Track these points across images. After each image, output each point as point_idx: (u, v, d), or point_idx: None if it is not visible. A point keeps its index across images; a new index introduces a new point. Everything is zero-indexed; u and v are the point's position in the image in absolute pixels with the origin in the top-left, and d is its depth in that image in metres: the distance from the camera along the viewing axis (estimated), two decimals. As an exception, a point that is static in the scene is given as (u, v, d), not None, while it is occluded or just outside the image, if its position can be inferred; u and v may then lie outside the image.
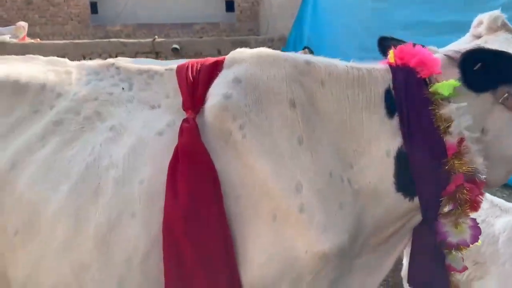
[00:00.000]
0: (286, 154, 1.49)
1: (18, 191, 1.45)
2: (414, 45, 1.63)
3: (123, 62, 1.76)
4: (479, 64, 1.51)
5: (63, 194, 1.44)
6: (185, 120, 1.50)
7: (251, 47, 1.72)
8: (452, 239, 1.67)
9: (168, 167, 1.46)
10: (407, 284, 1.85)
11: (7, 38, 7.36)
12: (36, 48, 7.44)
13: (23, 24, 7.72)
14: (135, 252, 1.45)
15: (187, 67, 1.65)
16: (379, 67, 1.65)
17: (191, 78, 1.59)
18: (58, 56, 1.82)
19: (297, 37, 7.50)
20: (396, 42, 1.75)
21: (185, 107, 1.55)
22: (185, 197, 1.42)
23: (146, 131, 1.54)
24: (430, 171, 1.57)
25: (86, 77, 1.68)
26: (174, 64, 1.73)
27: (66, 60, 1.76)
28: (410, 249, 1.80)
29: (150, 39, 7.63)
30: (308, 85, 1.56)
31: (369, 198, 1.59)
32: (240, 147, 1.49)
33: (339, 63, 1.63)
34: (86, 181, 1.45)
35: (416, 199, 1.61)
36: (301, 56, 1.65)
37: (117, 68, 1.72)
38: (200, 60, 1.69)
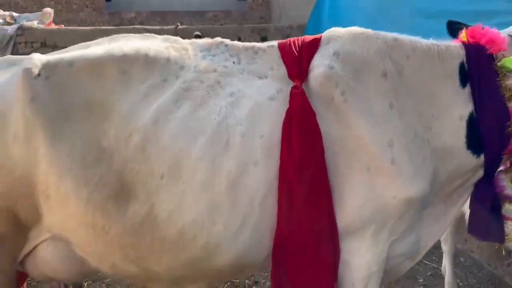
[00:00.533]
0: (380, 116, 1.79)
1: (162, 143, 1.74)
2: (483, 27, 1.92)
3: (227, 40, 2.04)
4: None
5: (201, 146, 1.73)
6: (294, 87, 1.80)
7: (270, 34, 2.03)
8: (509, 192, 1.97)
9: (283, 125, 1.76)
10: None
11: (34, 23, 7.56)
12: (63, 34, 7.63)
13: (49, 10, 7.90)
14: (256, 195, 1.76)
15: (289, 44, 1.94)
16: (454, 44, 1.94)
17: (295, 53, 1.88)
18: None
19: (316, 25, 7.73)
20: (463, 25, 2.04)
21: (292, 77, 1.83)
22: (297, 150, 1.72)
23: (260, 97, 1.83)
24: (496, 132, 1.87)
25: (201, 53, 1.97)
26: (273, 42, 2.02)
27: (179, 38, 2.04)
28: (470, 202, 2.11)
29: (172, 26, 7.84)
30: (396, 58, 1.86)
31: (444, 155, 1.89)
32: (341, 110, 1.79)
33: (421, 40, 1.92)
34: (218, 136, 1.75)
35: (482, 157, 1.91)
36: (388, 33, 1.94)
37: (226, 45, 2.00)
38: (298, 38, 1.98)
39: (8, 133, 1.78)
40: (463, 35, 1.97)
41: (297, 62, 1.86)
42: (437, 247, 3.28)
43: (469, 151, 1.90)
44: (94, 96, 1.81)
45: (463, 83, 1.89)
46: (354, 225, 1.86)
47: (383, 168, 1.78)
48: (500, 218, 2.04)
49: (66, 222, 1.83)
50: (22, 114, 1.77)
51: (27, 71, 1.78)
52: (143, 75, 1.84)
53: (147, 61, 1.87)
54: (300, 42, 1.93)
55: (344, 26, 1.97)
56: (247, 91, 1.84)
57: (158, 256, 1.81)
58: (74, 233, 1.84)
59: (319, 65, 1.83)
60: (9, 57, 2.12)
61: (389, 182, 1.79)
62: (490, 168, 1.95)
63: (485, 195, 2.02)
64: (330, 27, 2.05)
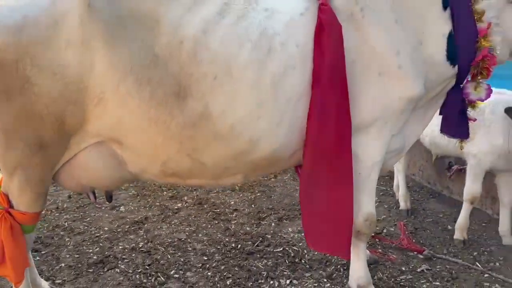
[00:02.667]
0: (390, 29, 2.20)
1: (213, 48, 1.99)
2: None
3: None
4: None
5: (248, 51, 2.01)
6: (321, 4, 2.13)
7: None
8: (473, 97, 2.53)
9: (315, 35, 2.10)
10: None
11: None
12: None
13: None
14: (293, 94, 2.09)
15: None
16: None
17: None
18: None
19: None
20: None
21: None
22: (329, 54, 2.08)
23: (292, 12, 2.14)
24: (467, 47, 2.38)
25: None
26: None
27: None
28: (441, 107, 2.64)
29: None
30: None
31: (430, 66, 2.37)
32: (360, 23, 2.17)
33: None
34: (262, 42, 2.04)
35: (456, 67, 2.43)
36: None
37: None
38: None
39: (60, 39, 1.91)
40: (443, -32, 2.46)
41: None
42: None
43: (448, 62, 2.40)
44: (142, 6, 1.98)
45: (444, 6, 2.36)
46: (366, 121, 2.28)
47: (391, 72, 2.21)
48: (466, 119, 2.60)
49: (123, 121, 2.01)
50: (80, 19, 1.90)
51: None
52: None
53: None
54: None
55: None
56: (279, 7, 2.14)
57: (211, 148, 2.08)
58: (131, 131, 2.04)
59: None
60: None
61: (396, 83, 2.23)
62: (460, 77, 2.48)
63: (455, 100, 2.56)
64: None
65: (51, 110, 1.99)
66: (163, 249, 3.45)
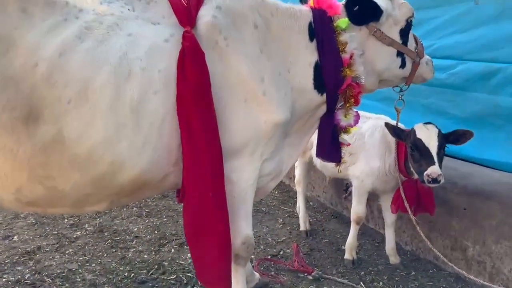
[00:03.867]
0: (254, 57, 2.28)
1: (68, 71, 1.95)
2: (324, -4, 2.57)
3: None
4: (356, 7, 2.51)
5: (106, 74, 1.99)
6: (185, 31, 2.17)
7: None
8: (343, 123, 2.68)
9: (178, 61, 2.12)
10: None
11: None
12: None
13: None
14: (156, 119, 2.09)
15: None
16: (304, 8, 2.55)
17: (185, 4, 2.25)
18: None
19: None
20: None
21: (183, 24, 2.21)
22: (192, 80, 2.11)
23: (156, 38, 2.16)
24: (333, 75, 2.52)
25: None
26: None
27: None
28: (317, 133, 2.76)
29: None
30: (263, 14, 2.38)
31: (298, 93, 2.49)
32: (224, 52, 2.23)
33: (281, 2, 2.48)
34: (122, 67, 2.03)
35: (325, 95, 2.56)
36: None
37: None
38: (184, -6, 2.35)
39: None
40: (311, 1, 2.60)
41: (187, 11, 2.24)
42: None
43: (315, 91, 2.53)
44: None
45: (311, 37, 2.50)
46: (235, 146, 2.33)
47: (257, 98, 2.28)
48: (338, 144, 2.73)
49: None
50: None
51: None
52: (44, 14, 2.00)
53: (48, 2, 2.04)
54: None
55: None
56: (143, 33, 2.15)
57: (67, 174, 2.02)
58: None
59: (205, 14, 2.24)
60: None
61: (262, 109, 2.30)
62: (330, 104, 2.61)
63: (327, 126, 2.69)
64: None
65: None
66: (50, 280, 3.28)
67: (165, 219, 4.51)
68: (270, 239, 3.98)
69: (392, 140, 3.15)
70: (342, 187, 4.45)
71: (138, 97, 2.05)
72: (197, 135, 2.14)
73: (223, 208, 2.27)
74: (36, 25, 1.99)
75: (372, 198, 3.73)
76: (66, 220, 4.46)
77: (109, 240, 3.99)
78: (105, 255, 3.72)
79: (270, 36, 2.39)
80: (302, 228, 4.08)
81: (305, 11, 2.54)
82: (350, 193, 4.13)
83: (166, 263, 3.54)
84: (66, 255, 3.71)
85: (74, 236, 4.10)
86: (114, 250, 3.80)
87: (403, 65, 2.76)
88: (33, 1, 2.01)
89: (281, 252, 3.72)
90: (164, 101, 2.11)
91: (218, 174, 2.23)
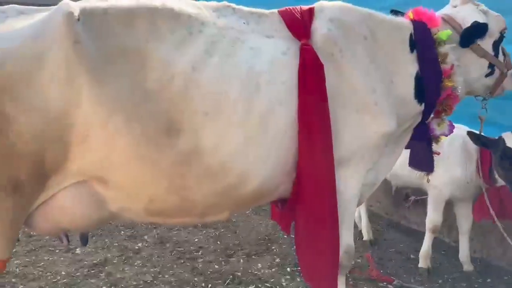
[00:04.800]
0: (366, 68, 2.32)
1: (203, 85, 1.98)
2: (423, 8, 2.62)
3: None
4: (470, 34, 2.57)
5: (237, 88, 2.03)
6: (303, 44, 2.21)
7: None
8: (437, 132, 2.71)
9: (299, 73, 2.16)
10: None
11: None
12: None
13: None
14: (280, 130, 2.12)
15: (290, 11, 2.34)
16: (404, 19, 2.60)
17: (299, 18, 2.30)
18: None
19: None
20: (401, 12, 2.72)
21: (300, 37, 2.24)
22: (314, 92, 2.14)
23: (275, 52, 2.20)
24: (434, 86, 2.56)
25: (214, 13, 2.24)
26: (272, 10, 2.40)
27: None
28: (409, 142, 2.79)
29: None
30: (370, 26, 2.42)
31: (400, 103, 2.52)
32: (339, 63, 2.26)
33: (385, 15, 2.52)
34: (250, 80, 2.06)
35: (423, 105, 2.60)
36: (361, 8, 2.49)
37: (233, 8, 2.31)
38: (294, 7, 2.39)
39: (44, 74, 1.81)
40: (410, 14, 2.65)
41: (303, 24, 2.28)
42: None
43: (415, 100, 2.57)
44: (128, 43, 1.95)
45: (411, 49, 2.54)
46: (345, 156, 2.35)
47: (369, 109, 2.31)
48: (431, 153, 2.77)
49: (110, 159, 1.93)
50: (64, 55, 1.82)
51: (70, 15, 1.83)
52: (171, 27, 2.04)
53: (173, 15, 2.08)
54: (299, 10, 2.36)
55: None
56: (262, 47, 2.19)
57: (201, 184, 2.04)
58: (118, 170, 1.95)
59: (320, 27, 2.28)
60: (14, 6, 2.07)
61: (372, 120, 2.33)
62: (426, 114, 2.65)
63: (421, 135, 2.72)
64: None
65: (31, 149, 1.86)
66: (129, 292, 3.27)
67: (223, 230, 4.50)
68: (336, 249, 3.98)
69: (473, 148, 3.19)
70: (398, 196, 4.47)
71: (265, 110, 2.08)
72: (316, 146, 2.17)
73: (335, 216, 2.29)
74: (166, 39, 2.02)
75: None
76: (122, 232, 4.45)
77: (174, 251, 3.99)
78: (175, 266, 3.71)
79: (377, 47, 2.42)
80: (365, 238, 4.10)
81: (406, 23, 2.59)
82: (412, 202, 4.17)
83: (239, 273, 3.54)
84: (136, 267, 3.70)
85: (136, 247, 4.09)
86: (182, 261, 3.80)
87: (492, 76, 2.81)
88: (161, 13, 2.05)
89: (352, 262, 3.72)
90: (287, 113, 2.14)
91: (332, 183, 2.25)
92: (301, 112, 2.15)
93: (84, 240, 2.40)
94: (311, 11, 2.36)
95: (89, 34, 1.88)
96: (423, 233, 3.59)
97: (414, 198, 4.10)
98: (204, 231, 4.47)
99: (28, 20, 1.94)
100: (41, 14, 1.96)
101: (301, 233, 2.35)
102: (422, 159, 2.75)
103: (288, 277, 3.49)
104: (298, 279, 3.43)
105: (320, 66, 2.18)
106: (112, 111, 1.88)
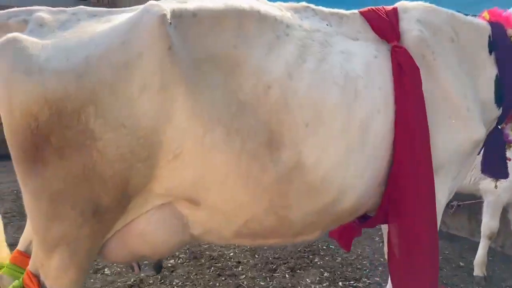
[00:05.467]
0: (456, 72, 2.18)
1: (301, 94, 1.79)
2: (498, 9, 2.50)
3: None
4: None
5: (336, 95, 1.85)
6: (396, 47, 2.05)
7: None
8: (511, 138, 2.60)
9: (394, 77, 1.99)
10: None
11: None
12: None
13: None
14: (378, 139, 1.95)
15: (374, 11, 2.18)
16: (481, 21, 2.47)
17: (386, 18, 2.14)
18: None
19: None
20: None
21: (389, 39, 2.08)
22: (412, 96, 1.99)
23: (366, 55, 2.03)
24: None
25: (296, 14, 2.05)
26: (352, 10, 2.23)
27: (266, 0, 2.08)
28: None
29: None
30: (454, 27, 2.28)
31: (483, 107, 2.39)
32: (431, 67, 2.11)
33: (464, 15, 2.40)
34: (348, 86, 1.88)
35: (501, 109, 2.47)
36: (443, 8, 2.35)
37: (313, 9, 2.13)
38: (377, 7, 2.24)
39: (133, 85, 1.58)
40: (485, 14, 2.53)
41: (390, 26, 2.12)
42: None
43: (495, 104, 2.44)
44: (218, 49, 1.75)
45: (490, 51, 2.42)
46: (438, 164, 2.20)
47: (461, 115, 2.17)
48: (505, 159, 2.65)
49: (205, 178, 1.72)
50: (158, 63, 1.60)
51: (163, 17, 1.61)
52: (259, 31, 1.85)
53: (260, 17, 1.89)
54: (383, 10, 2.20)
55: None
56: (352, 50, 2.02)
57: (301, 202, 1.85)
58: (214, 189, 1.74)
59: (410, 29, 2.12)
60: (83, 8, 1.84)
61: (464, 126, 2.19)
62: (502, 118, 2.53)
63: (497, 141, 2.60)
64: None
65: (116, 170, 1.63)
66: (176, 316, 3.04)
67: (255, 242, 4.30)
68: (382, 259, 3.83)
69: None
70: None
71: (365, 118, 1.91)
72: (416, 155, 2.01)
73: (435, 227, 2.14)
74: (255, 43, 1.83)
75: (477, 211, 3.66)
76: (150, 247, 4.20)
77: (212, 268, 3.76)
78: (218, 284, 3.49)
79: (462, 50, 2.29)
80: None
81: (483, 24, 2.46)
82: (455, 208, 4.06)
83: (290, 290, 3.35)
84: (176, 286, 3.47)
85: (169, 264, 3.85)
86: (223, 278, 3.58)
87: None
88: (249, 16, 1.86)
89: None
90: (385, 120, 1.97)
91: (432, 193, 2.10)
92: (399, 119, 1.99)
93: (158, 267, 2.17)
94: (395, 12, 2.21)
95: (179, 39, 1.67)
96: (464, 239, 3.50)
97: (457, 204, 3.99)
98: (236, 244, 4.25)
99: (104, 23, 1.71)
100: (121, 16, 1.74)
101: (400, 246, 2.17)
102: (496, 165, 2.62)
103: (342, 292, 3.33)
104: (354, 294, 3.28)
105: (417, 70, 2.03)
106: (208, 125, 1.66)
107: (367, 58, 2.01)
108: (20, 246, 2.08)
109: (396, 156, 2.00)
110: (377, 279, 3.46)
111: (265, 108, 1.74)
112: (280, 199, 1.81)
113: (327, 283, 3.43)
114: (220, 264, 3.82)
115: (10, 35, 1.55)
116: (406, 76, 2.00)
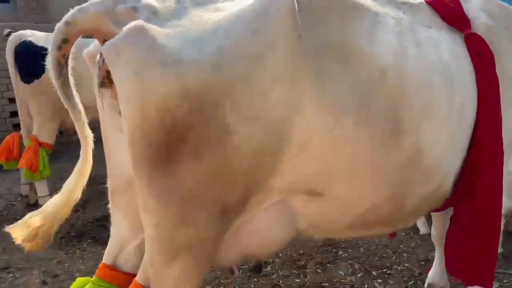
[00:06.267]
0: None
1: (413, 79, 1.80)
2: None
3: None
4: None
5: (439, 80, 1.89)
6: (472, 34, 2.13)
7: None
8: None
9: (474, 64, 2.06)
10: None
11: None
12: None
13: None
14: (467, 124, 2.01)
15: (439, 0, 2.25)
16: None
17: (453, 7, 2.21)
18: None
19: None
20: None
21: (460, 27, 2.15)
22: (491, 83, 2.07)
23: (446, 41, 2.08)
24: None
25: (374, 2, 2.05)
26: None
27: None
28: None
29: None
30: (508, 15, 2.40)
31: None
32: (498, 53, 2.22)
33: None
34: (445, 72, 1.93)
35: None
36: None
37: None
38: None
39: (265, 75, 1.50)
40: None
41: (460, 15, 2.20)
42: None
43: None
44: (331, 37, 1.71)
45: None
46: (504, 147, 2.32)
47: None
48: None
49: (329, 170, 1.67)
50: (289, 52, 1.53)
51: (293, 4, 1.56)
52: (357, 18, 1.82)
53: (355, 5, 1.86)
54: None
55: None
56: (434, 37, 2.07)
57: (416, 189, 1.87)
58: (338, 181, 1.70)
59: (477, 17, 2.21)
60: None
61: None
62: None
63: None
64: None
65: (246, 166, 1.54)
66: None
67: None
68: (401, 246, 3.95)
69: None
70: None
71: (461, 103, 1.98)
72: (495, 141, 2.10)
73: (500, 207, 2.25)
74: (357, 31, 1.81)
75: None
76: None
77: (240, 269, 3.66)
78: (252, 285, 3.41)
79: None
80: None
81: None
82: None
83: (327, 284, 3.35)
84: (210, 293, 3.33)
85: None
86: (256, 280, 3.50)
87: None
88: (348, 4, 1.83)
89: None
90: (472, 104, 2.05)
91: (502, 172, 2.20)
92: (484, 105, 2.07)
93: (258, 268, 2.08)
94: (457, 0, 2.30)
95: (304, 27, 1.62)
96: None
97: None
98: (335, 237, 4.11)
99: (214, 11, 1.60)
100: (229, 5, 1.64)
101: (469, 230, 2.25)
102: None
103: (380, 280, 3.38)
104: (391, 281, 3.34)
105: (492, 56, 2.12)
106: (338, 115, 1.63)
107: (450, 46, 2.07)
108: (106, 259, 1.91)
109: (478, 139, 2.07)
110: (407, 265, 3.57)
111: (384, 94, 1.73)
112: (400, 187, 1.81)
113: (361, 273, 3.48)
114: (246, 266, 3.72)
115: (136, 23, 1.41)
116: (485, 63, 2.08)
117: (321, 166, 1.66)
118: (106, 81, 1.56)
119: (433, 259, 3.61)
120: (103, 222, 4.41)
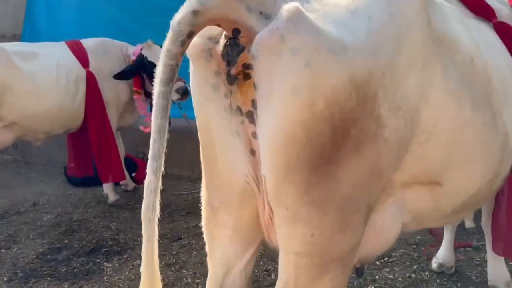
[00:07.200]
0: None
1: (489, 64, 1.84)
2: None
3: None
4: None
5: (504, 65, 1.97)
6: (499, 23, 2.26)
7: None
8: None
9: (509, 50, 2.19)
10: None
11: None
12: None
13: None
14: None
15: None
16: None
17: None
18: None
19: (32, 33, 6.91)
20: None
21: (488, 17, 2.26)
22: None
23: (487, 31, 2.19)
24: None
25: None
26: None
27: None
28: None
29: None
30: None
31: None
32: None
33: None
34: (506, 57, 2.03)
35: None
36: None
37: None
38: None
39: (401, 63, 1.43)
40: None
41: (486, 5, 2.33)
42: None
43: None
44: (438, 21, 1.66)
45: None
46: None
47: None
48: None
49: (451, 158, 1.65)
50: (421, 38, 1.49)
51: None
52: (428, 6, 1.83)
53: None
54: None
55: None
56: (482, 26, 2.15)
57: (504, 170, 1.93)
58: (458, 168, 1.69)
59: (500, 7, 2.36)
60: None
61: None
62: None
63: None
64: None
65: (389, 159, 1.46)
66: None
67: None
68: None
69: None
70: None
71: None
72: None
73: None
74: (435, 17, 1.82)
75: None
76: (164, 261, 3.70)
77: (255, 283, 3.46)
78: None
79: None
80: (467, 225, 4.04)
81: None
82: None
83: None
84: None
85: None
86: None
87: None
88: None
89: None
90: None
91: None
92: None
93: (362, 271, 1.95)
94: (482, -2, 2.45)
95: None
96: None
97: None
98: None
99: None
100: None
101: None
102: None
103: (387, 269, 3.46)
104: (397, 268, 3.45)
105: None
106: (461, 102, 1.63)
107: (493, 33, 2.19)
108: (211, 285, 1.65)
109: None
110: (402, 250, 3.71)
111: (478, 80, 1.76)
112: (499, 168, 1.85)
113: (367, 265, 3.51)
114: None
115: (292, 6, 1.23)
116: None
117: (445, 154, 1.62)
118: (241, 76, 1.32)
119: (422, 241, 3.83)
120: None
